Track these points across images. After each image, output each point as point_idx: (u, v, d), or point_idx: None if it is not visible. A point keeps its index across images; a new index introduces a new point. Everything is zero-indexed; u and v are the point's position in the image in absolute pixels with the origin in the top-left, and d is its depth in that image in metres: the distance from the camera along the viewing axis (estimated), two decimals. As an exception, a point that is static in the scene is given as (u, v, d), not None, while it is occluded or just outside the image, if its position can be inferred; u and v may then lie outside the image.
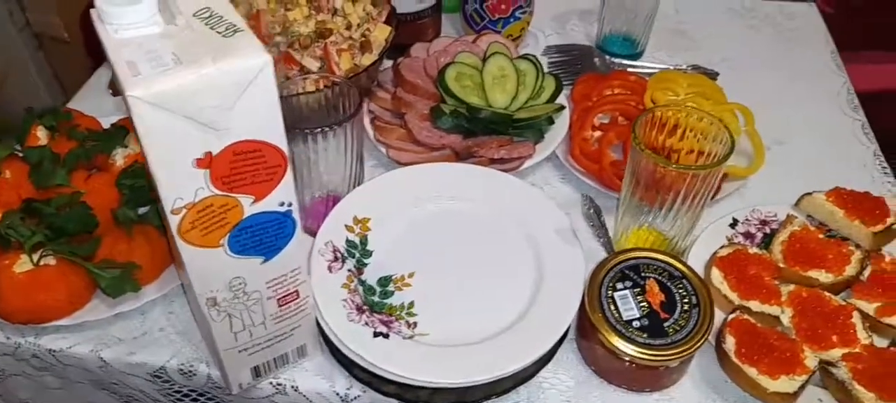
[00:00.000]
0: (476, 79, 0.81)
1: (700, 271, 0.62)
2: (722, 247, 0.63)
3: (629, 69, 0.88)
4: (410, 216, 0.65)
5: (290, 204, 0.47)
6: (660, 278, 0.56)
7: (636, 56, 0.93)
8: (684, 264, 0.57)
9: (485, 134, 0.76)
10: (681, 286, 0.56)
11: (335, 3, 0.84)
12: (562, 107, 0.80)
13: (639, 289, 0.56)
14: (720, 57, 0.91)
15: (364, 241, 0.63)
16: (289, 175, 0.46)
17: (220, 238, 0.45)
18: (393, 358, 0.53)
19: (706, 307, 0.54)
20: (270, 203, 0.46)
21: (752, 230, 0.67)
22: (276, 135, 0.43)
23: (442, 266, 0.62)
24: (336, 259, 0.60)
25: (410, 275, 0.61)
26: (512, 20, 0.91)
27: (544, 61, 0.92)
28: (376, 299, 0.58)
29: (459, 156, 0.75)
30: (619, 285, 0.56)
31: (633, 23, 0.90)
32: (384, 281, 0.60)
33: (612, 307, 0.54)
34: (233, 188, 0.44)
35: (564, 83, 0.84)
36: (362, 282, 0.60)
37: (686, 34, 0.98)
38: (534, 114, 0.78)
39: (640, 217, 0.63)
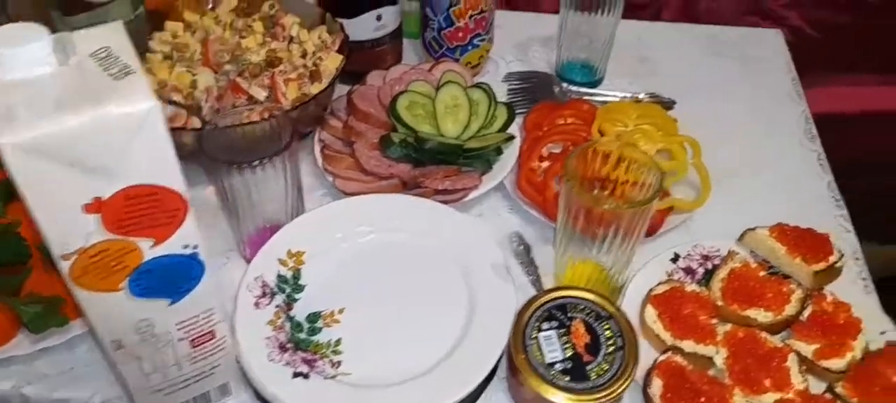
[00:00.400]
0: (428, 108, 0.80)
1: (637, 307, 0.61)
2: (658, 284, 0.62)
3: (585, 97, 0.88)
4: (347, 248, 0.65)
5: (195, 247, 0.47)
6: (586, 318, 0.55)
7: (595, 84, 0.92)
8: (612, 304, 0.56)
9: (433, 163, 0.76)
10: (607, 327, 0.55)
11: (290, 32, 0.84)
12: (511, 137, 0.79)
13: (564, 330, 0.54)
14: (680, 85, 0.90)
15: (296, 275, 0.62)
16: (191, 218, 0.45)
17: (120, 282, 0.45)
18: (309, 400, 0.52)
19: (631, 349, 0.53)
20: (173, 246, 0.45)
21: (694, 265, 0.66)
22: (171, 178, 0.43)
23: (374, 300, 0.61)
24: (264, 294, 0.59)
25: (340, 311, 0.60)
26: (470, 48, 0.90)
27: (503, 88, 0.92)
28: (303, 336, 0.58)
29: (407, 186, 0.74)
30: (545, 325, 0.55)
31: (591, 49, 0.89)
32: (313, 317, 0.59)
33: (536, 348, 0.53)
34: (129, 232, 0.43)
35: (523, 111, 0.84)
36: (290, 318, 0.59)
37: (647, 61, 0.97)
38: (483, 143, 0.77)
39: (578, 250, 0.62)
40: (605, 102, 0.87)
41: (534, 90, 0.91)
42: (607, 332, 0.54)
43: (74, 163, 0.39)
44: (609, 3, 0.84)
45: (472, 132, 0.80)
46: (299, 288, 0.61)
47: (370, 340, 0.58)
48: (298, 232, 0.64)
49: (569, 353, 0.53)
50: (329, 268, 0.63)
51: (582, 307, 0.56)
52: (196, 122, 0.72)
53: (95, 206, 0.41)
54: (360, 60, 0.89)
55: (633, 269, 0.65)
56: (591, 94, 0.89)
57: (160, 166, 0.42)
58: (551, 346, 0.53)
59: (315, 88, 0.77)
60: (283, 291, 0.60)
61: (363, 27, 0.87)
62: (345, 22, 0.86)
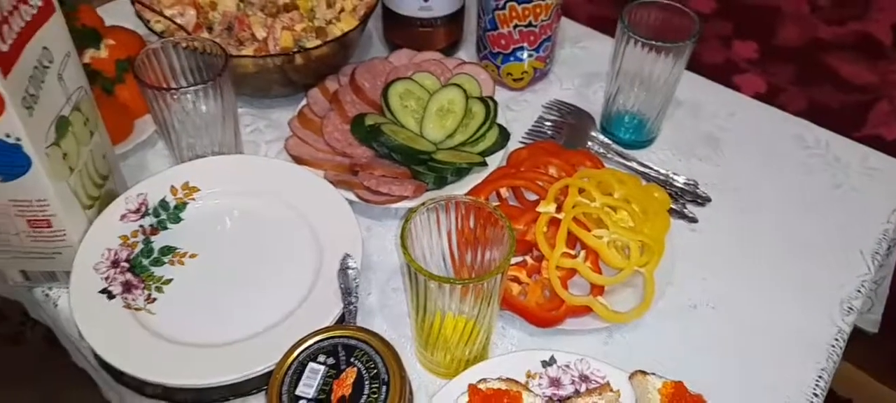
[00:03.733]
0: (422, 103, 0.76)
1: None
2: (497, 379, 0.53)
3: (615, 155, 0.76)
4: (237, 204, 0.65)
5: (18, 139, 0.51)
6: (363, 372, 0.49)
7: (641, 144, 0.79)
8: (401, 374, 0.49)
9: (390, 159, 0.72)
10: (375, 392, 0.48)
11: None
12: (483, 163, 0.72)
13: (334, 373, 0.49)
14: (738, 185, 0.74)
15: (179, 208, 0.64)
16: (10, 111, 0.49)
17: (-49, 143, 0.51)
18: (83, 315, 0.54)
19: (380, 429, 0.47)
20: (-3, 130, 0.50)
21: (565, 379, 0.55)
22: (-18, 70, 0.47)
23: (226, 261, 0.61)
24: (138, 211, 0.62)
25: (192, 256, 0.61)
26: (512, 59, 0.83)
27: (539, 113, 0.83)
28: (145, 262, 0.60)
29: (351, 170, 0.71)
30: (322, 357, 0.50)
31: (645, 101, 0.76)
32: (166, 250, 0.61)
33: (297, 375, 0.49)
34: (-45, 103, 0.48)
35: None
36: (148, 242, 0.61)
37: (716, 142, 0.80)
38: (451, 159, 0.71)
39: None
40: (632, 169, 0.75)
41: (566, 128, 0.81)
42: (372, 397, 0.48)
43: None
44: (674, 50, 0.70)
45: (453, 143, 0.74)
46: (177, 220, 0.64)
47: (194, 294, 0.58)
48: (205, 170, 0.66)
49: (321, 397, 0.48)
50: (210, 214, 0.64)
51: (368, 360, 0.50)
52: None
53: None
54: (405, 35, 0.87)
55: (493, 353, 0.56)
56: (624, 155, 0.76)
57: (-29, 54, 0.46)
58: (310, 381, 0.49)
59: (310, 44, 0.76)
60: (158, 216, 0.63)
61: (409, 3, 0.84)
62: (393, -8, 0.84)
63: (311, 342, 0.51)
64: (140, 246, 0.61)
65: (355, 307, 0.54)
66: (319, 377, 0.49)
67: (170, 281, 0.59)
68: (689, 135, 0.80)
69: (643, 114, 0.78)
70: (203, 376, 0.51)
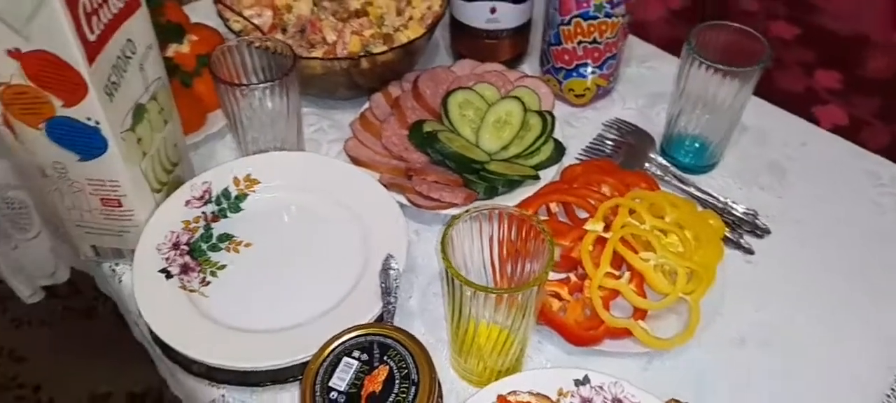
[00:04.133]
0: (480, 113, 0.77)
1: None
2: (527, 393, 0.53)
3: (672, 178, 0.74)
4: (294, 198, 0.68)
5: (97, 123, 0.55)
6: (394, 371, 0.50)
7: (702, 169, 0.77)
8: (433, 377, 0.50)
9: (443, 166, 0.73)
10: (405, 391, 0.49)
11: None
12: (535, 177, 0.72)
13: (367, 369, 0.51)
14: (800, 218, 0.71)
15: (240, 198, 0.67)
16: (92, 96, 0.53)
17: (39, 122, 0.55)
18: (142, 290, 0.58)
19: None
20: (78, 113, 0.54)
21: (598, 401, 0.54)
22: (71, 57, 0.51)
23: (281, 253, 0.64)
24: (202, 198, 0.66)
25: (247, 245, 0.64)
26: (575, 75, 0.82)
27: (599, 131, 0.82)
28: (204, 247, 0.63)
29: (405, 174, 0.73)
30: (356, 353, 0.52)
31: (709, 124, 0.74)
32: (225, 237, 0.64)
33: (331, 368, 0.51)
34: (42, 86, 0.53)
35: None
36: (208, 228, 0.65)
37: (778, 169, 0.77)
38: (504, 171, 0.72)
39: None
40: (689, 194, 0.73)
41: (624, 148, 0.79)
42: (401, 396, 0.49)
43: (2, 18, 0.49)
44: (741, 74, 0.68)
45: (507, 154, 0.75)
46: (237, 209, 0.67)
47: (244, 279, 0.61)
48: (267, 164, 0.69)
49: (352, 391, 0.50)
50: (267, 206, 0.67)
51: (401, 360, 0.51)
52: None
53: (16, 55, 0.51)
54: (471, 46, 0.88)
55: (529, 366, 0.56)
56: (682, 179, 0.75)
57: (60, 42, 0.50)
58: (343, 375, 0.50)
59: (376, 49, 0.79)
60: (220, 205, 0.66)
61: (476, 14, 0.85)
62: (460, 3, 0.85)
63: (347, 337, 0.52)
64: (200, 232, 0.64)
65: (394, 307, 0.56)
66: (352, 372, 0.51)
67: (224, 266, 0.62)
68: (754, 163, 0.78)
69: (705, 138, 0.76)
70: (244, 360, 0.54)
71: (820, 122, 1.05)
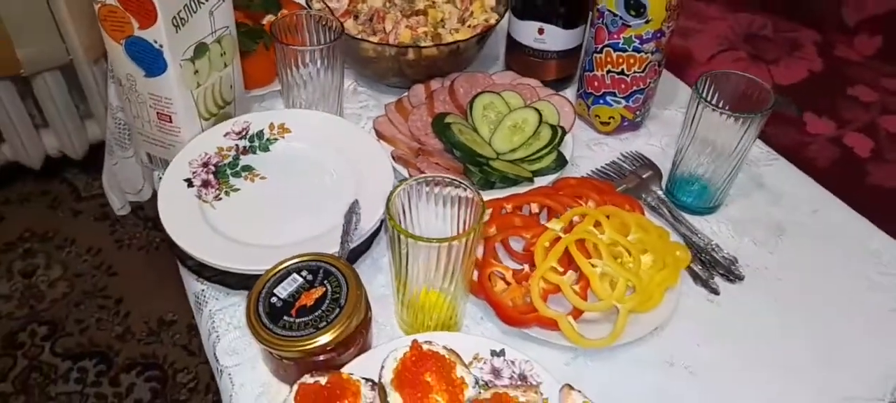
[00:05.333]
0: (500, 116, 0.83)
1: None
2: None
3: (658, 206, 0.77)
4: (313, 150, 0.78)
5: (161, 46, 0.69)
6: (331, 293, 0.58)
7: (704, 210, 0.78)
8: (356, 301, 0.57)
9: (451, 154, 0.80)
10: (329, 310, 0.57)
11: (469, 9, 0.95)
12: (530, 178, 0.77)
13: (307, 286, 0.59)
14: (783, 277, 0.71)
15: (271, 141, 0.79)
16: (160, 24, 0.67)
17: (121, 38, 0.70)
18: (166, 196, 0.70)
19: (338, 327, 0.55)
20: (149, 35, 0.68)
21: (506, 373, 0.58)
22: (146, -9, 0.65)
23: (285, 189, 0.74)
24: (239, 133, 0.78)
25: (262, 178, 0.75)
26: (601, 102, 0.87)
27: (612, 159, 0.86)
28: (227, 170, 0.75)
29: (415, 154, 0.81)
30: (305, 272, 0.60)
31: (713, 167, 0.75)
32: (247, 167, 0.76)
33: (280, 279, 0.60)
34: (128, 8, 0.67)
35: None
36: (236, 159, 0.77)
37: (781, 232, 0.76)
38: (506, 169, 0.78)
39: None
40: (675, 228, 0.75)
41: (630, 177, 0.83)
42: (325, 313, 0.57)
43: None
44: (744, 120, 0.70)
45: (514, 156, 0.81)
46: (266, 149, 0.78)
47: (249, 202, 0.72)
48: (300, 118, 0.80)
49: (290, 300, 0.58)
50: (290, 152, 0.78)
51: (336, 286, 0.59)
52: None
53: (111, -20, 0.66)
54: (519, 62, 0.95)
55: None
56: (675, 214, 0.77)
57: (140, -23, 0.64)
58: (288, 287, 0.59)
59: (424, 44, 0.88)
60: (252, 143, 0.78)
61: (525, 32, 0.92)
62: (514, 19, 0.92)
63: (301, 259, 0.61)
64: (229, 159, 0.76)
65: (349, 244, 0.64)
66: (296, 286, 0.59)
67: (238, 190, 0.73)
68: (757, 217, 0.78)
69: (708, 180, 0.77)
70: (223, 260, 0.64)
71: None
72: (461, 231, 0.61)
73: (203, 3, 0.72)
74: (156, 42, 0.68)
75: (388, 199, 0.57)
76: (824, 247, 0.74)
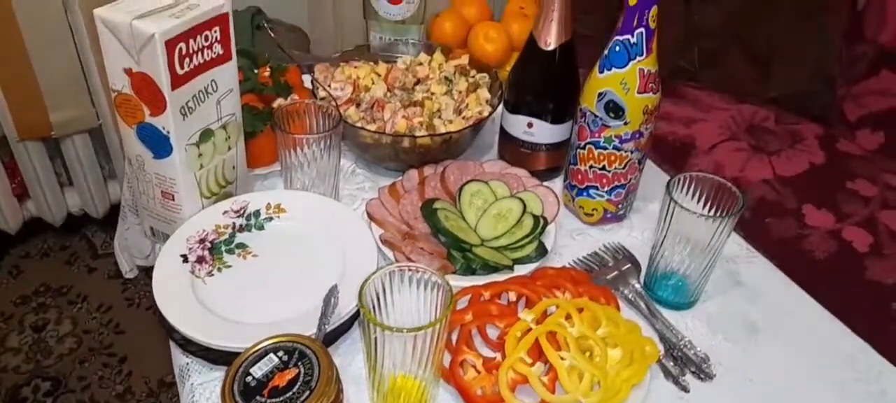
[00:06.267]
0: (486, 205, 0.87)
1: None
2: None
3: (635, 300, 0.79)
4: (305, 230, 0.82)
5: (168, 132, 0.74)
6: (303, 375, 0.61)
7: (679, 305, 0.80)
8: (327, 384, 0.60)
9: (437, 238, 0.84)
10: (299, 393, 0.60)
11: (465, 101, 1.01)
12: (510, 267, 0.80)
13: (282, 366, 0.62)
14: (753, 377, 0.72)
15: (267, 220, 0.83)
16: (169, 113, 0.73)
17: (134, 123, 0.76)
18: (161, 266, 0.74)
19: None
20: (158, 123, 0.74)
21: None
22: (160, 81, 0.71)
23: (274, 268, 0.78)
24: (238, 212, 0.83)
25: (254, 256, 0.79)
26: (584, 194, 0.90)
27: (594, 249, 0.89)
28: (223, 247, 0.79)
29: (403, 236, 0.85)
30: (281, 352, 0.63)
31: (688, 263, 0.78)
32: (241, 245, 0.80)
33: (257, 358, 0.63)
34: (141, 98, 0.73)
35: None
36: (231, 237, 0.81)
37: (755, 332, 0.77)
38: (486, 257, 0.81)
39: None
40: (649, 322, 0.77)
41: (610, 269, 0.85)
42: (295, 395, 0.60)
43: (123, 43, 0.70)
44: (715, 221, 0.72)
45: (497, 244, 0.84)
46: (261, 228, 0.83)
47: (238, 280, 0.76)
48: (296, 200, 0.85)
49: (264, 380, 0.61)
50: (283, 231, 0.82)
51: (310, 368, 0.62)
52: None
53: (129, 72, 0.72)
54: (510, 152, 1.00)
55: None
56: (652, 309, 0.79)
57: (155, 70, 0.70)
58: (263, 366, 0.62)
59: (419, 134, 0.93)
60: (249, 221, 0.83)
61: (516, 125, 0.97)
62: (506, 112, 0.97)
63: (280, 339, 0.64)
64: (225, 236, 0.81)
65: (325, 327, 0.67)
66: (271, 366, 0.62)
67: (231, 267, 0.77)
68: (733, 315, 0.79)
69: (685, 276, 0.79)
70: (208, 337, 0.67)
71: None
72: (438, 315, 0.64)
73: (211, 94, 0.78)
74: (164, 128, 0.74)
75: (361, 288, 0.60)
76: (798, 350, 0.75)
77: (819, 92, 1.62)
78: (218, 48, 0.76)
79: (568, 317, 0.70)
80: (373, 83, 1.02)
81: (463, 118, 0.98)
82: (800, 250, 1.25)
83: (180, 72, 0.73)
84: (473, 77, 1.05)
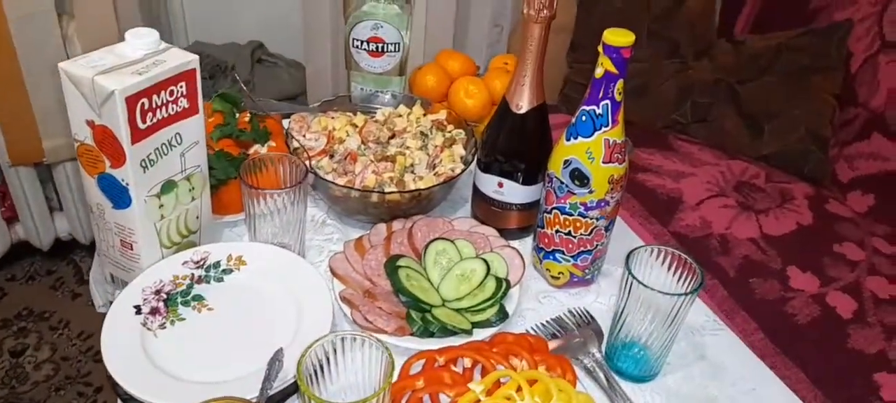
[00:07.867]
0: (450, 264, 0.87)
1: None
2: None
3: (594, 370, 0.78)
4: (264, 283, 0.82)
5: (127, 184, 0.74)
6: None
7: (641, 379, 0.79)
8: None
9: (397, 297, 0.83)
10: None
11: (440, 157, 1.01)
12: (468, 331, 0.79)
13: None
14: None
15: (226, 272, 0.83)
16: (128, 166, 0.73)
17: (95, 173, 0.76)
18: (111, 325, 0.74)
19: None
20: (118, 174, 0.74)
21: None
22: (120, 135, 0.71)
23: (227, 323, 0.77)
24: (198, 263, 0.83)
25: (209, 309, 0.79)
26: (551, 258, 0.89)
27: (559, 313, 0.87)
28: (179, 299, 0.79)
29: (364, 294, 0.84)
30: (221, 418, 0.62)
31: (651, 333, 0.76)
32: (197, 297, 0.80)
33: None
34: (102, 148, 0.73)
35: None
36: (190, 288, 0.81)
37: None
38: (447, 320, 0.80)
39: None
40: (609, 393, 0.76)
41: (571, 336, 0.84)
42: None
43: (86, 97, 0.71)
44: (673, 298, 0.71)
45: (459, 305, 0.83)
46: (220, 280, 0.82)
47: (190, 334, 0.75)
48: (257, 252, 0.85)
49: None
50: (242, 284, 0.82)
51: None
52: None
53: (90, 124, 0.72)
54: (482, 210, 0.99)
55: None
56: (611, 380, 0.77)
57: (115, 124, 0.70)
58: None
59: (387, 189, 0.93)
60: (208, 272, 0.82)
61: (487, 183, 0.96)
62: (477, 170, 0.97)
63: (222, 402, 0.64)
64: (182, 288, 0.80)
65: (269, 391, 0.66)
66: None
67: (184, 320, 0.77)
68: (692, 390, 0.78)
69: (646, 346, 0.78)
70: (149, 394, 0.67)
71: (881, 389, 1.01)
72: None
73: (175, 147, 0.78)
74: (123, 180, 0.74)
75: (300, 359, 0.60)
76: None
77: (811, 151, 1.62)
78: (184, 102, 0.77)
79: (519, 390, 0.69)
80: (347, 135, 1.02)
81: (436, 174, 0.98)
82: (782, 313, 1.24)
83: (142, 126, 0.73)
84: (450, 132, 1.05)
